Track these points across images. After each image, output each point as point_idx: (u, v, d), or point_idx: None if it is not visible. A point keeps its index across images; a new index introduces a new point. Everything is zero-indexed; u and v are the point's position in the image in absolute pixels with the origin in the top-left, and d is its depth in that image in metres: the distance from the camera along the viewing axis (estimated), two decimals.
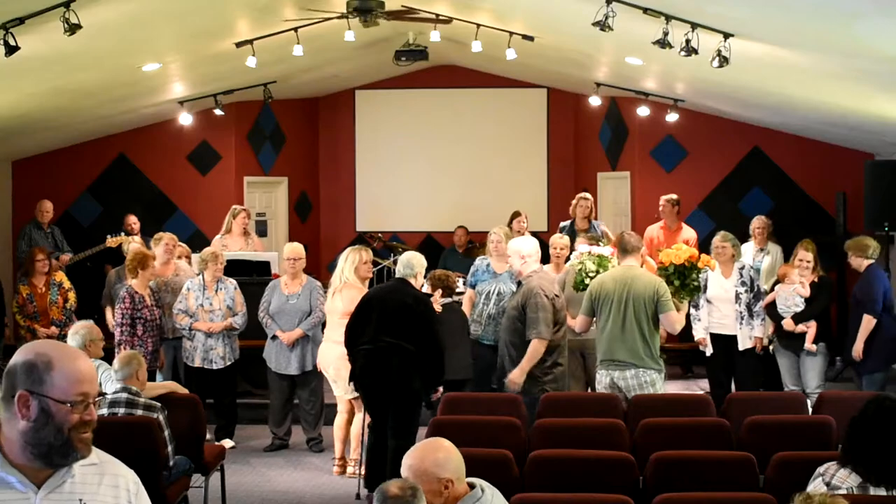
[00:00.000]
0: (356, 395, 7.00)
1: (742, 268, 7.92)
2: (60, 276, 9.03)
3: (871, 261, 7.73)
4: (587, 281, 6.94)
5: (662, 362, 6.59)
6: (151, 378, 7.76)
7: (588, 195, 9.70)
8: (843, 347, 7.96)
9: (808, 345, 7.62)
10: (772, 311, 7.83)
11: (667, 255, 7.16)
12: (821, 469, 3.94)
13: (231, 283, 8.11)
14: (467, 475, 3.56)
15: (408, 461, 3.42)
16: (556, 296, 6.58)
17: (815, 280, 7.77)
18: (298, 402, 8.15)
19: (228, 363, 8.01)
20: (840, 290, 9.86)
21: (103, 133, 11.77)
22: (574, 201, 9.63)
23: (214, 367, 7.97)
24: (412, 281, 6.59)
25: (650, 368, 6.42)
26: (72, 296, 8.91)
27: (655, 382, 6.45)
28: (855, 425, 3.93)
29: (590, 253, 7.18)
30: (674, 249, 7.21)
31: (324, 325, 7.73)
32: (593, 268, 7.03)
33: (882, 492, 3.78)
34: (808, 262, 7.75)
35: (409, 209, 13.23)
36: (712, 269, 7.62)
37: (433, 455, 3.42)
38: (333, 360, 7.26)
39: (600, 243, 7.73)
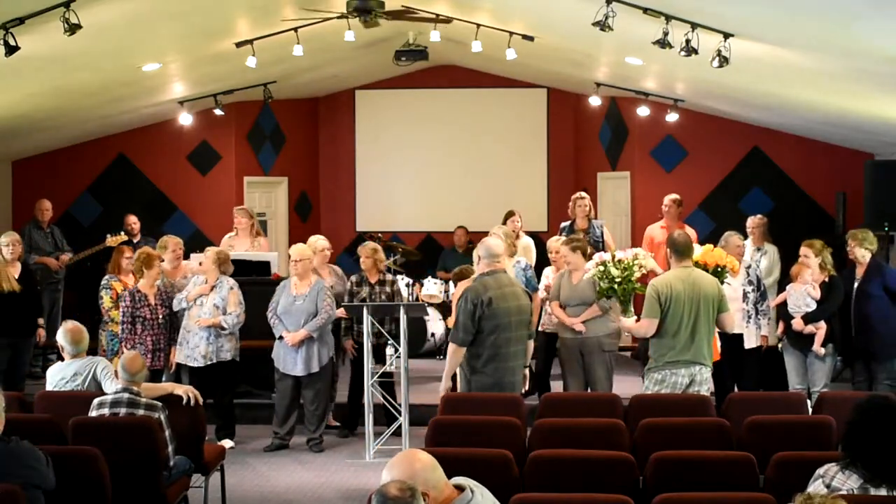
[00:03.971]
0: None
1: (748, 267, 7.92)
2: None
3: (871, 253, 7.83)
4: (615, 286, 6.69)
5: None
6: (157, 378, 7.80)
7: (585, 194, 9.70)
8: (848, 343, 7.92)
9: (817, 347, 7.61)
10: (782, 310, 7.82)
11: (711, 257, 7.07)
12: (820, 471, 3.93)
13: (228, 282, 8.10)
14: (468, 475, 3.54)
15: (386, 476, 3.32)
16: (487, 303, 6.21)
17: (826, 280, 7.77)
18: (303, 403, 8.15)
19: (209, 362, 7.96)
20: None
21: (103, 133, 11.77)
22: (571, 203, 9.65)
23: (195, 364, 7.95)
24: None
25: (708, 367, 6.46)
26: None
27: (709, 380, 6.51)
28: (857, 425, 3.92)
29: (614, 259, 6.80)
30: (704, 250, 7.15)
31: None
32: (617, 273, 6.70)
33: (883, 492, 3.78)
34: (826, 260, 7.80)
35: (409, 209, 13.22)
36: (735, 270, 7.31)
37: (411, 468, 3.35)
38: None
39: (599, 244, 7.66)
